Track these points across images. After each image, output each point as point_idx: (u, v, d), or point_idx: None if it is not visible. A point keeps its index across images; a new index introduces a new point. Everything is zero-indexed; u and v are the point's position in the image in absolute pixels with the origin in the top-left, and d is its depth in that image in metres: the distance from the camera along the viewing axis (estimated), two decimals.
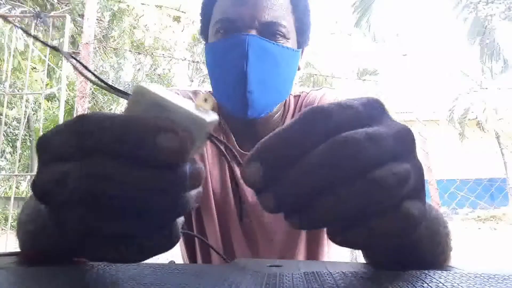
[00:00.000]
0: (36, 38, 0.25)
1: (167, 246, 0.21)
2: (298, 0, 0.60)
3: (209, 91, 0.70)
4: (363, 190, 0.19)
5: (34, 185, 0.20)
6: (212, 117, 0.22)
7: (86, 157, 0.19)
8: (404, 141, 0.21)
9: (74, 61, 0.26)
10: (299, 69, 0.63)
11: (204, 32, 0.63)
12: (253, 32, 0.55)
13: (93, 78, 0.25)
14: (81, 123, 0.19)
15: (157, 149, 0.18)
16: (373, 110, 0.22)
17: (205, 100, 0.22)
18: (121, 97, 0.24)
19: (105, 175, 0.18)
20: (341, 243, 0.21)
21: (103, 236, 0.20)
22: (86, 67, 0.27)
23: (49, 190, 0.19)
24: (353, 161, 0.19)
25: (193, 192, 0.21)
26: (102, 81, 0.25)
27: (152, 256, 0.21)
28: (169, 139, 0.18)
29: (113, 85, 0.25)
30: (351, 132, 0.19)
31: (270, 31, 0.56)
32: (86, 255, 0.22)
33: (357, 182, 0.19)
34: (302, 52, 0.64)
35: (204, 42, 0.64)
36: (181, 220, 0.23)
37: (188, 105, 0.21)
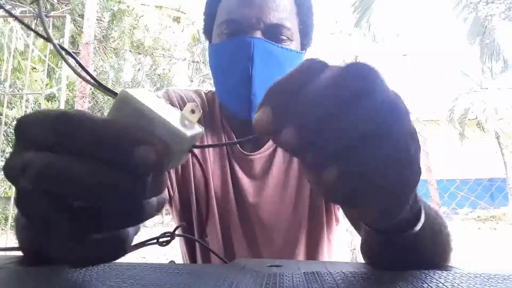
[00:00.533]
0: (30, 28, 0.25)
1: (118, 253, 0.21)
2: (302, 1, 0.60)
3: (210, 91, 0.70)
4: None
5: (3, 166, 0.20)
6: (195, 130, 0.22)
7: (57, 152, 0.19)
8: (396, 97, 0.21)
9: (65, 54, 0.25)
10: None
11: (207, 31, 0.63)
12: (258, 33, 0.55)
13: (84, 74, 0.24)
14: (63, 119, 0.19)
15: (133, 160, 0.18)
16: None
17: (192, 111, 0.22)
18: (109, 95, 0.23)
19: (67, 172, 0.18)
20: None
21: (55, 232, 0.19)
22: (77, 61, 0.26)
23: (13, 175, 0.19)
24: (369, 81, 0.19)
25: (154, 200, 0.21)
26: (92, 77, 0.24)
27: (100, 262, 0.21)
28: (146, 152, 0.18)
29: (106, 85, 0.24)
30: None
31: (275, 33, 0.56)
32: (42, 247, 0.22)
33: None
34: (304, 53, 0.64)
35: (207, 41, 0.64)
36: (133, 231, 0.23)
37: (173, 116, 0.21)
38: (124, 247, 0.21)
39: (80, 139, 0.18)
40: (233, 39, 0.56)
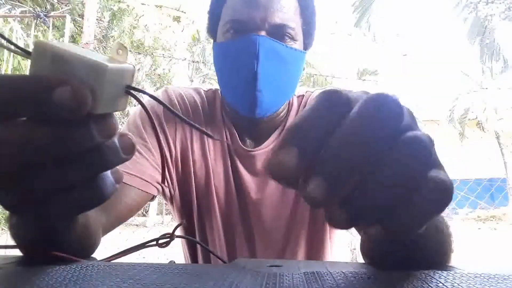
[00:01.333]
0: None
1: (94, 200, 0.22)
2: (306, 2, 0.61)
3: (210, 89, 0.70)
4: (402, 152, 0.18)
5: None
6: (121, 65, 0.21)
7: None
8: (411, 114, 0.21)
9: None
10: (304, 69, 0.64)
11: (212, 30, 0.64)
12: (263, 33, 0.56)
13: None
14: None
15: (54, 105, 0.18)
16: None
17: (119, 51, 0.22)
18: (25, 56, 0.22)
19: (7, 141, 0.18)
20: (389, 228, 0.19)
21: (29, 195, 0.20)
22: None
23: None
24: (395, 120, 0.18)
25: (111, 142, 0.21)
26: (3, 37, 0.23)
27: (80, 211, 0.22)
28: (63, 93, 0.18)
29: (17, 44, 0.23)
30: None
31: (279, 33, 0.57)
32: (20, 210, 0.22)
33: (395, 147, 0.18)
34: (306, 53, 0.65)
35: (207, 41, 0.65)
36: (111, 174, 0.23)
37: (96, 56, 0.20)
38: (99, 192, 0.22)
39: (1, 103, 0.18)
40: (238, 38, 0.57)
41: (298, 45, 0.60)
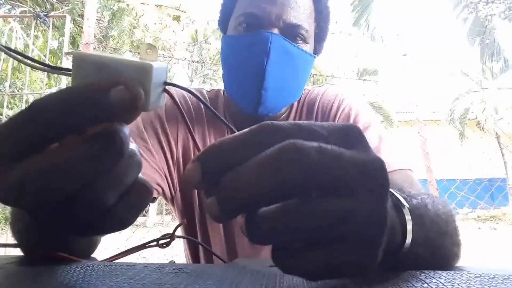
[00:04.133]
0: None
1: (141, 204, 0.22)
2: (321, 8, 0.61)
3: (213, 89, 0.70)
4: (298, 210, 0.18)
5: None
6: (159, 64, 0.21)
7: (37, 150, 0.18)
8: (369, 176, 0.18)
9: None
10: (310, 75, 0.64)
11: (223, 23, 0.63)
12: (276, 31, 0.55)
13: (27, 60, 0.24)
14: (28, 111, 0.18)
15: (112, 105, 0.18)
16: (345, 137, 0.20)
17: (148, 51, 0.22)
18: (65, 74, 0.22)
19: (58, 169, 0.18)
20: (288, 269, 0.20)
21: (71, 219, 0.20)
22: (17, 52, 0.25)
23: (10, 198, 0.18)
24: (296, 173, 0.17)
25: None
26: (35, 61, 0.23)
27: (132, 220, 0.22)
28: (119, 93, 0.18)
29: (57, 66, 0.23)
30: (299, 140, 0.18)
31: (292, 32, 0.56)
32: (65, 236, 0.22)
33: (294, 201, 0.18)
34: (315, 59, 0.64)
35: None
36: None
37: (131, 59, 0.21)
38: (150, 190, 0.22)
39: (52, 121, 0.18)
40: (251, 33, 0.56)
41: (309, 48, 0.59)
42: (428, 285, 0.23)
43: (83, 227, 0.20)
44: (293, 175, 0.17)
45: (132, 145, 0.21)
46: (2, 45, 0.23)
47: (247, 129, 0.20)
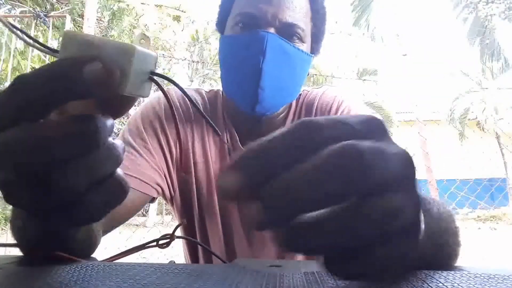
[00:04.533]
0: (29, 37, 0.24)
1: (123, 194, 0.22)
2: (318, 7, 0.61)
3: (212, 90, 0.70)
4: (352, 214, 0.17)
5: None
6: (146, 51, 0.22)
7: (11, 126, 0.19)
8: (406, 167, 0.18)
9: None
10: (308, 74, 0.64)
11: (220, 23, 0.63)
12: (272, 30, 0.55)
13: (24, 36, 0.24)
14: (11, 86, 0.19)
15: (84, 79, 0.18)
16: (372, 129, 0.19)
17: (141, 40, 0.23)
18: (52, 55, 0.22)
19: (29, 143, 0.18)
20: (338, 274, 0.19)
21: (50, 207, 0.20)
22: (14, 26, 0.25)
23: None
24: (351, 175, 0.16)
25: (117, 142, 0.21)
26: (30, 37, 0.24)
27: (102, 214, 0.22)
28: (95, 69, 0.18)
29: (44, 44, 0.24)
30: (350, 141, 0.17)
31: (288, 32, 0.56)
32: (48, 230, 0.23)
33: (348, 205, 0.17)
34: (312, 59, 0.64)
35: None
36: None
37: (117, 41, 0.21)
38: (125, 188, 0.22)
39: (31, 96, 0.18)
40: (247, 32, 0.56)
41: (306, 47, 0.59)
42: (428, 285, 0.23)
43: (55, 215, 0.20)
44: (353, 178, 0.16)
45: (117, 141, 0.21)
46: (9, 22, 0.23)
47: (285, 129, 0.18)
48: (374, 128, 0.19)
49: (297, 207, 0.17)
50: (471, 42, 9.74)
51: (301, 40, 0.58)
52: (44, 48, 0.23)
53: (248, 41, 0.55)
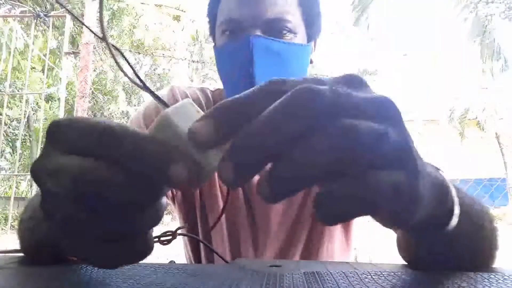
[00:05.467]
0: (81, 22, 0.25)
1: (139, 254, 0.21)
2: None
3: (218, 89, 0.70)
4: (330, 139, 0.17)
5: (31, 167, 0.20)
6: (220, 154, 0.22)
7: (91, 158, 0.19)
8: (385, 108, 0.19)
9: (117, 54, 0.26)
10: (311, 62, 0.62)
11: (212, 33, 0.63)
12: (258, 31, 0.54)
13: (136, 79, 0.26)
14: (109, 130, 0.19)
15: (167, 175, 0.18)
16: (350, 84, 0.20)
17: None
18: (157, 102, 0.24)
19: (102, 178, 0.18)
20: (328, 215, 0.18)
21: (84, 235, 0.20)
22: (129, 64, 0.27)
23: (41, 177, 0.19)
24: (318, 109, 0.17)
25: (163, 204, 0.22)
26: (143, 83, 0.25)
27: (127, 263, 0.22)
28: (180, 169, 0.19)
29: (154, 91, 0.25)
30: (314, 85, 0.18)
31: (276, 28, 0.55)
32: (68, 251, 0.22)
33: (326, 131, 0.17)
34: (315, 43, 0.63)
35: (208, 40, 0.64)
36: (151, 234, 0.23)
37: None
38: (151, 245, 0.22)
39: (121, 149, 0.19)
40: (232, 41, 0.56)
41: (300, 37, 0.58)
42: (428, 285, 0.23)
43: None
44: (313, 114, 0.17)
45: (164, 200, 0.22)
46: (143, 83, 0.25)
47: (257, 87, 0.19)
48: (352, 83, 0.20)
49: (263, 151, 0.17)
50: (471, 42, 9.74)
51: (292, 31, 0.56)
52: (157, 97, 0.25)
53: (235, 49, 0.55)
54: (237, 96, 0.19)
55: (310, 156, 0.17)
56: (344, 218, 0.18)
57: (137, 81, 0.25)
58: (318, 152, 0.17)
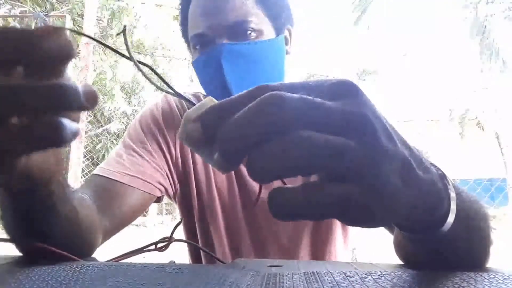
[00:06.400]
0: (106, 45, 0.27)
1: (51, 139, 0.21)
2: None
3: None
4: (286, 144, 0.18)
5: None
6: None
7: None
8: (357, 122, 0.19)
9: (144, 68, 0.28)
10: (287, 53, 0.63)
11: (190, 51, 0.64)
12: (224, 39, 0.55)
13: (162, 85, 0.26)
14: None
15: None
16: (336, 92, 0.20)
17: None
18: (188, 103, 0.26)
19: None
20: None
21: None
22: (157, 73, 0.30)
23: None
24: (280, 116, 0.18)
25: (73, 83, 0.21)
26: (172, 88, 0.28)
27: (34, 149, 0.21)
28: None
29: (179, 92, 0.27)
30: (284, 92, 0.19)
31: (239, 31, 0.56)
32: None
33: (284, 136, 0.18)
34: (290, 34, 0.63)
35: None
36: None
37: None
38: (61, 134, 0.21)
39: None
40: (202, 54, 0.58)
41: (267, 34, 0.58)
42: (428, 285, 0.23)
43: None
44: (274, 120, 0.19)
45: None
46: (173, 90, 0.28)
47: (244, 91, 0.21)
48: (340, 89, 0.20)
49: (234, 144, 0.19)
50: (471, 42, 9.74)
51: (256, 30, 0.56)
52: (188, 100, 0.28)
53: (206, 61, 0.57)
54: (223, 100, 0.22)
55: (264, 160, 0.19)
56: (294, 218, 0.19)
57: (167, 88, 0.27)
58: (270, 157, 0.18)
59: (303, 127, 0.18)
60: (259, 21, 0.57)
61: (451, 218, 0.26)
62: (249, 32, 0.56)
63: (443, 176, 0.26)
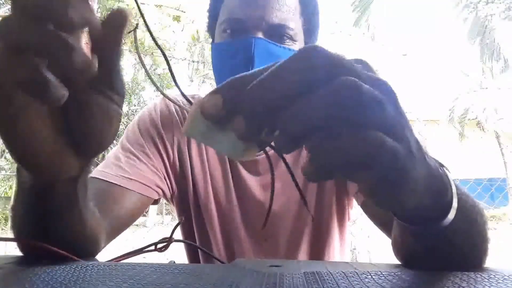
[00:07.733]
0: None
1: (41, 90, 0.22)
2: (307, 1, 0.60)
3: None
4: (329, 96, 0.19)
5: None
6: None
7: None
8: (387, 88, 0.20)
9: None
10: None
11: (211, 29, 0.63)
12: (260, 34, 0.54)
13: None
14: None
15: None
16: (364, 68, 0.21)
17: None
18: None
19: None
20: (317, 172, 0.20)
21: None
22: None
23: None
24: (321, 65, 0.19)
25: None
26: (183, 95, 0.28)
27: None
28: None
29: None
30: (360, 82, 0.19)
31: (277, 33, 0.55)
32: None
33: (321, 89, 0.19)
34: None
35: (209, 40, 0.65)
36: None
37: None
38: (48, 89, 0.22)
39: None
40: (234, 39, 0.56)
41: (299, 45, 0.58)
42: (427, 285, 0.23)
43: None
44: (316, 69, 0.19)
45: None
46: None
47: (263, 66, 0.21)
48: (360, 62, 0.22)
49: (266, 103, 0.19)
50: (471, 42, 9.73)
51: (292, 39, 0.57)
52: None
53: (235, 48, 0.55)
54: (243, 73, 0.21)
55: (307, 109, 0.19)
56: (330, 171, 0.20)
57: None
58: (316, 104, 0.18)
59: (345, 75, 0.19)
60: (297, 31, 0.58)
61: (451, 215, 0.26)
62: (285, 37, 0.56)
63: (444, 170, 0.27)
